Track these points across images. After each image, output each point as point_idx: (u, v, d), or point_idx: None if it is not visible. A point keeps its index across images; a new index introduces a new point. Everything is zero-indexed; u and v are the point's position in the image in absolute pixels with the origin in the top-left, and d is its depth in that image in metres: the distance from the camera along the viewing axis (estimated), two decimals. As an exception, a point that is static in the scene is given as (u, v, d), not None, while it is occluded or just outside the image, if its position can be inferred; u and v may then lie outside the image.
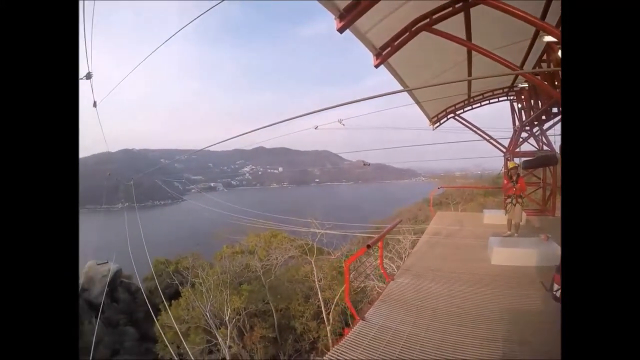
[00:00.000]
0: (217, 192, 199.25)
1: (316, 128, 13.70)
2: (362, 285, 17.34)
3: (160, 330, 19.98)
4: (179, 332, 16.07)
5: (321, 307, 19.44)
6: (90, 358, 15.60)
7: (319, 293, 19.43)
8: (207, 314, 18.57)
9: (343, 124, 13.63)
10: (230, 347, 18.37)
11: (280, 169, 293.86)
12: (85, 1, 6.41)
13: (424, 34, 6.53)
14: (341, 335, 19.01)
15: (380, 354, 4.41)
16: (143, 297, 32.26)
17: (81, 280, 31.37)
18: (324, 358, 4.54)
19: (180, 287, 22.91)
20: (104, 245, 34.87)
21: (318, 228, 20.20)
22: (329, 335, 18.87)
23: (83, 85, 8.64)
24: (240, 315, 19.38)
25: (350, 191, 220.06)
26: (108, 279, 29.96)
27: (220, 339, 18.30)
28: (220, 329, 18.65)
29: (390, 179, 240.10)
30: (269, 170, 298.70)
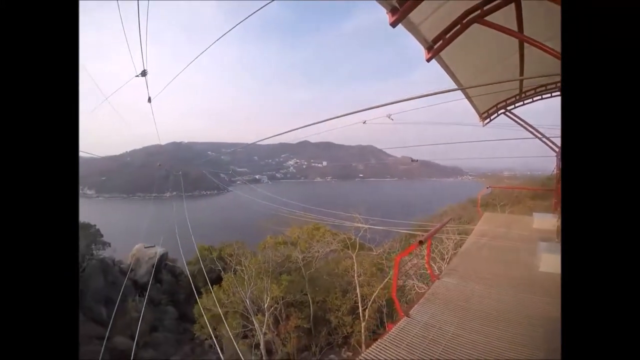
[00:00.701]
0: (262, 184, 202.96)
1: (364, 123, 13.43)
2: (402, 283, 17.13)
3: (198, 312, 20.89)
4: (221, 315, 16.61)
5: (358, 303, 19.43)
6: (137, 332, 16.53)
7: (358, 288, 19.39)
8: (247, 301, 19.02)
9: (392, 119, 13.28)
10: (265, 333, 18.77)
11: (325, 163, 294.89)
12: (140, 1, 6.62)
13: (475, 25, 6.30)
14: (375, 332, 18.99)
15: (422, 352, 4.40)
16: (185, 280, 34.01)
17: (129, 261, 33.61)
18: (367, 352, 4.55)
19: (222, 273, 23.58)
20: (152, 230, 36.64)
21: (362, 223, 20.06)
22: (362, 331, 18.84)
23: (139, 82, 9.09)
24: (278, 304, 19.85)
25: (394, 188, 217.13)
26: (154, 262, 31.91)
27: (256, 325, 18.73)
28: (257, 315, 19.10)
29: (435, 177, 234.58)
30: (313, 164, 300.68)
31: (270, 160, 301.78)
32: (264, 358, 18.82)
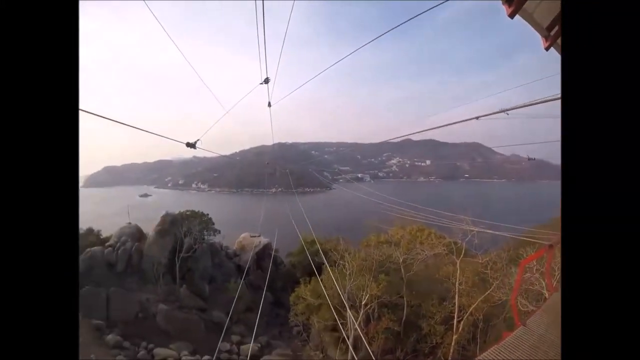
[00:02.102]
0: (364, 183, 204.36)
1: (478, 119, 12.34)
2: (505, 298, 15.79)
3: (294, 300, 22.26)
4: (331, 303, 16.77)
5: (454, 313, 18.19)
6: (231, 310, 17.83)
7: (456, 297, 18.18)
8: (345, 295, 18.99)
9: (507, 114, 11.98)
10: (355, 330, 18.66)
11: (428, 162, 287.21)
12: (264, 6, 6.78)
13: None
14: (464, 348, 17.75)
15: None
16: (285, 269, 36.02)
17: (235, 247, 37.52)
18: (483, 355, 4.73)
19: (323, 266, 23.98)
20: (258, 221, 39.16)
21: (470, 227, 18.52)
22: (452, 344, 17.68)
23: (262, 88, 9.83)
24: (372, 302, 19.57)
25: (503, 190, 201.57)
26: (258, 250, 34.83)
27: (350, 320, 18.66)
28: (350, 311, 19.07)
29: (548, 179, 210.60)
30: (416, 163, 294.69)
31: (372, 159, 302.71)
32: (349, 353, 18.81)
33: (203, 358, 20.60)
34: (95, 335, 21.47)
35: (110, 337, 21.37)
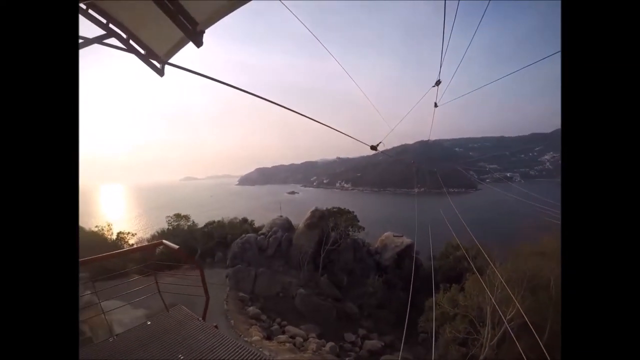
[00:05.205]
0: (514, 182, 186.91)
1: None
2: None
3: (429, 305, 21.83)
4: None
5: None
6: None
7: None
8: (488, 309, 17.94)
9: None
10: (487, 348, 17.56)
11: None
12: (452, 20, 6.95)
13: None
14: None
15: None
16: (425, 272, 35.72)
17: (376, 245, 38.76)
18: None
19: (467, 274, 22.78)
20: (401, 220, 39.41)
21: None
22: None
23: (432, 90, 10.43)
24: (512, 321, 17.77)
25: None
26: (399, 249, 35.87)
27: (487, 338, 17.64)
28: (485, 326, 18.08)
29: None
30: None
31: (522, 155, 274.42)
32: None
33: (328, 343, 21.94)
34: (239, 305, 24.76)
35: (251, 309, 24.41)
